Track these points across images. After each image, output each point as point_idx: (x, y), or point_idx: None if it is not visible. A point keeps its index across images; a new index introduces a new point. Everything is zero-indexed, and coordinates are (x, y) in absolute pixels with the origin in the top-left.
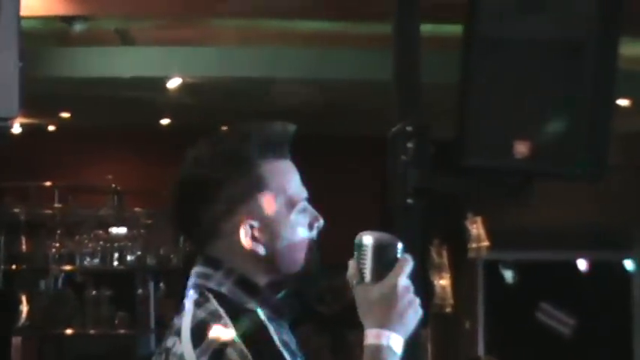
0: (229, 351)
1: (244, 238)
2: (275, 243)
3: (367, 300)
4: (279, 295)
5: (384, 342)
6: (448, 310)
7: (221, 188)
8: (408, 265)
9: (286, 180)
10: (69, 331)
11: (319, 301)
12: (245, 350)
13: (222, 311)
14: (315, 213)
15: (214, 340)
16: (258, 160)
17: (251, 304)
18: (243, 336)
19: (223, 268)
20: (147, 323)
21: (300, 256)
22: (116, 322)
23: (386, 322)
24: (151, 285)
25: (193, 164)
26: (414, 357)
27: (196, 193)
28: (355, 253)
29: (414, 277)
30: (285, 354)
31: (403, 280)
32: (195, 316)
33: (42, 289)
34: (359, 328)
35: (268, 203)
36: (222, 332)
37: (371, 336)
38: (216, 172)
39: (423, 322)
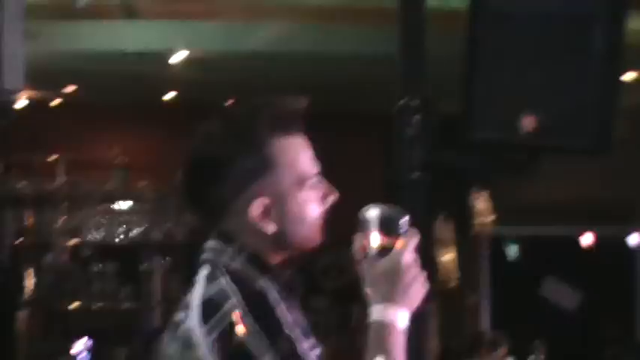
0: (239, 328)
1: (255, 215)
2: (286, 220)
3: (372, 274)
4: (289, 273)
5: (388, 318)
6: (453, 284)
7: (232, 165)
8: (413, 239)
9: (297, 156)
10: (74, 306)
11: (325, 276)
12: (255, 328)
13: (232, 288)
14: (328, 187)
15: (224, 318)
16: (269, 137)
17: (262, 282)
18: (253, 315)
19: (236, 244)
20: (151, 298)
21: (312, 232)
22: (121, 296)
23: (391, 297)
24: (156, 259)
25: (204, 140)
26: (420, 331)
27: (207, 170)
28: (360, 227)
29: (419, 252)
30: (296, 333)
31: (409, 255)
32: (206, 292)
33: (48, 263)
34: (364, 303)
35: (279, 180)
36: (232, 310)
37: (376, 312)
38: (227, 148)
39: (428, 297)
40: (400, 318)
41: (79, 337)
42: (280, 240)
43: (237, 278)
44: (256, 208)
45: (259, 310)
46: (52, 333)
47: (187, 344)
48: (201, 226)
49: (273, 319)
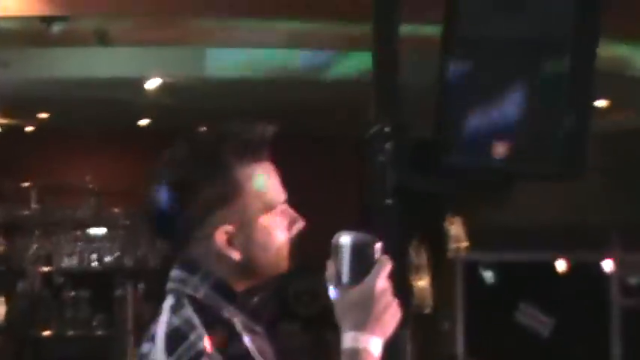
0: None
1: (219, 243)
2: (251, 248)
3: (344, 302)
4: (255, 300)
5: (361, 345)
6: (427, 310)
7: (197, 191)
8: (386, 266)
9: (264, 183)
10: (47, 333)
11: (297, 302)
12: (219, 359)
13: (197, 319)
14: (294, 215)
15: (189, 349)
16: (235, 164)
17: (227, 310)
18: (218, 346)
19: (200, 272)
20: (125, 325)
21: (278, 260)
22: (94, 323)
23: (363, 324)
24: (129, 286)
25: (169, 166)
26: (394, 358)
27: (172, 196)
28: (332, 253)
29: (393, 278)
30: None
31: (381, 282)
32: (170, 323)
33: (20, 290)
34: (337, 329)
35: (244, 208)
36: (197, 341)
37: (349, 339)
38: (192, 174)
39: (403, 323)
40: (373, 345)
41: None
42: (246, 267)
43: (201, 307)
44: (220, 235)
45: (224, 342)
46: None
47: None
48: (171, 253)
49: (240, 348)
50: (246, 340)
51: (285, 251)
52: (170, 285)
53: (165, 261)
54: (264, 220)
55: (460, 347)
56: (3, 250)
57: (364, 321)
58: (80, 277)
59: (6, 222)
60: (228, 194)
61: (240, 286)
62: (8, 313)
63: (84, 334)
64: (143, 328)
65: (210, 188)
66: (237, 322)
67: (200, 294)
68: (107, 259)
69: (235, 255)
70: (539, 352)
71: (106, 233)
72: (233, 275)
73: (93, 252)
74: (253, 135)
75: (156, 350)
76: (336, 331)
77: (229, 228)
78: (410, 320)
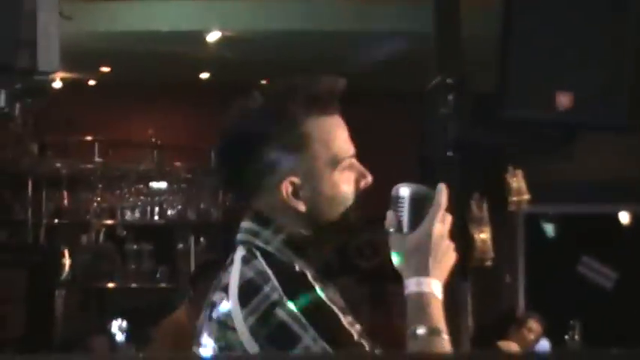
0: (278, 311)
1: (285, 193)
2: (316, 200)
3: (403, 249)
4: (324, 254)
5: (426, 289)
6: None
7: (265, 143)
8: (439, 210)
9: (331, 137)
10: (110, 285)
11: (359, 255)
12: (294, 310)
13: (270, 271)
14: (363, 170)
15: (263, 300)
16: (304, 116)
17: (298, 264)
18: (292, 296)
19: (272, 226)
20: (187, 277)
21: (343, 213)
22: (157, 276)
23: (425, 269)
24: (191, 239)
25: (239, 117)
26: (454, 310)
27: (241, 147)
28: (392, 205)
29: (454, 230)
30: (336, 310)
31: (437, 226)
32: (243, 275)
33: (84, 243)
34: (398, 280)
35: (311, 160)
36: (271, 293)
37: (411, 285)
38: (261, 127)
39: (464, 275)
40: (436, 288)
41: (115, 316)
42: (310, 219)
43: (273, 260)
44: (286, 185)
45: (298, 291)
46: (89, 312)
47: (226, 326)
48: (235, 206)
49: (313, 297)
50: (319, 290)
51: (346, 204)
52: (241, 236)
53: (228, 214)
54: (331, 172)
55: (521, 300)
56: (67, 204)
57: (425, 265)
58: (143, 231)
59: (69, 176)
60: (294, 146)
61: (308, 239)
62: (72, 266)
63: (147, 287)
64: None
65: (278, 140)
66: (309, 273)
67: (271, 247)
68: (169, 212)
69: (300, 206)
70: (602, 306)
71: (168, 187)
72: (300, 227)
73: (155, 205)
74: (323, 88)
75: (229, 301)
76: (396, 282)
77: (295, 179)
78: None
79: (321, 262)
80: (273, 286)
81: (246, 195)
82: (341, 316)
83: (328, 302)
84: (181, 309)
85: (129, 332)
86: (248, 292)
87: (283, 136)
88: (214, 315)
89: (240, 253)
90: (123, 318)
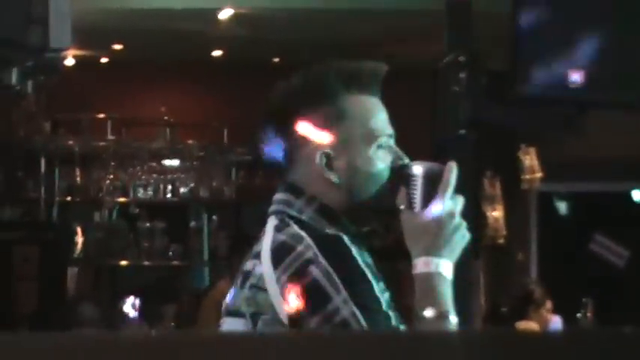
0: (312, 268)
1: (319, 164)
2: (349, 173)
3: (414, 227)
4: (357, 226)
5: (433, 269)
6: (501, 241)
7: (304, 116)
8: (448, 188)
9: (369, 114)
10: (123, 262)
11: (371, 232)
12: (329, 268)
13: (303, 233)
14: (399, 152)
15: (297, 258)
16: (343, 93)
17: (331, 230)
18: (327, 255)
19: (305, 196)
20: (200, 255)
21: (374, 187)
22: (170, 253)
23: (433, 249)
24: (204, 217)
25: (281, 92)
26: (466, 288)
27: (280, 119)
28: (405, 183)
29: (467, 208)
30: (369, 274)
31: (447, 205)
32: (276, 239)
33: (96, 220)
34: (408, 259)
35: (346, 133)
36: (305, 251)
37: (420, 264)
38: (301, 101)
39: (476, 253)
40: (445, 268)
41: (127, 294)
42: (343, 191)
43: (307, 227)
44: (320, 157)
45: (332, 252)
46: (102, 289)
47: (258, 289)
48: (248, 184)
49: (348, 260)
50: (355, 252)
51: (380, 181)
52: (273, 207)
53: (241, 192)
54: (366, 148)
55: (534, 278)
56: (79, 182)
57: (434, 244)
58: (156, 208)
59: (82, 153)
60: (331, 120)
61: (342, 210)
62: (85, 244)
63: (160, 264)
64: (218, 258)
65: (315, 113)
66: (344, 237)
67: (305, 216)
68: (182, 190)
69: (334, 177)
70: (614, 284)
71: (181, 165)
72: (332, 198)
73: (168, 183)
74: (364, 68)
75: (262, 264)
76: (407, 261)
77: (330, 150)
78: (483, 251)
79: (353, 232)
80: (307, 245)
81: (283, 168)
82: (374, 282)
83: (363, 266)
84: (222, 284)
85: (141, 310)
86: (281, 252)
87: (321, 109)
88: (247, 282)
89: (272, 222)
90: (135, 295)
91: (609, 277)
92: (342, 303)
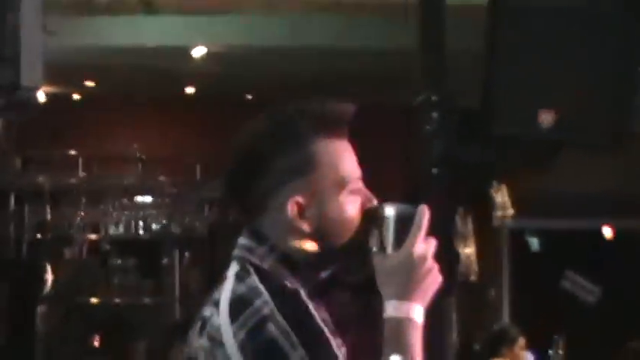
0: (269, 325)
1: (291, 213)
2: (321, 222)
3: (385, 270)
4: (318, 274)
5: (403, 314)
6: (473, 278)
7: (272, 162)
8: (419, 232)
9: (339, 159)
10: (94, 300)
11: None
12: (286, 326)
13: (262, 287)
14: (368, 194)
15: (254, 315)
16: (312, 138)
17: (292, 282)
18: (284, 312)
19: (267, 243)
20: (172, 292)
21: (346, 235)
22: (141, 290)
23: (404, 292)
24: (176, 254)
25: (249, 137)
26: (440, 326)
27: (248, 165)
28: (377, 224)
29: (439, 246)
30: (325, 331)
31: (419, 247)
32: (235, 290)
33: (67, 258)
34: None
35: (317, 181)
36: (262, 307)
37: (391, 308)
38: (270, 146)
39: (449, 291)
40: (415, 313)
41: (98, 331)
42: (314, 240)
43: (267, 277)
44: (292, 205)
45: (290, 308)
46: (72, 327)
47: (216, 341)
48: (220, 221)
49: (305, 316)
50: (311, 309)
51: (351, 228)
52: (236, 252)
53: (213, 229)
54: (338, 195)
55: (505, 315)
56: (49, 219)
57: (405, 288)
58: (127, 245)
59: (53, 190)
60: (301, 167)
61: (306, 259)
62: (55, 281)
63: (131, 302)
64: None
65: (285, 160)
66: (302, 292)
67: (266, 264)
68: (154, 226)
69: (305, 226)
70: (585, 321)
71: (153, 201)
72: (299, 247)
73: (140, 220)
74: (332, 111)
75: (220, 315)
76: (380, 298)
77: (301, 199)
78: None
79: (314, 282)
80: (264, 301)
81: (250, 213)
82: (331, 339)
83: (319, 323)
84: None
85: (112, 347)
86: (239, 306)
87: (291, 156)
88: (204, 330)
89: (233, 269)
90: (106, 333)
91: (580, 314)
92: None
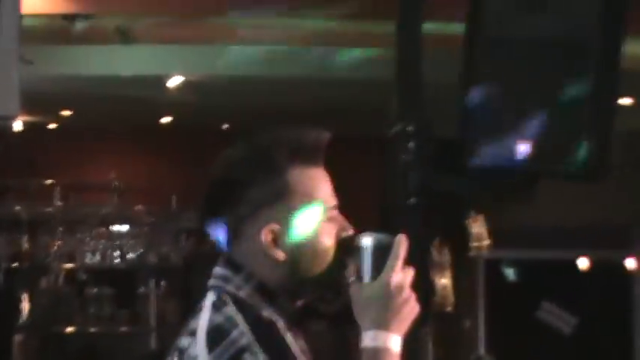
0: (246, 356)
1: (265, 241)
2: (295, 250)
3: (362, 300)
4: (294, 302)
5: (381, 344)
6: (449, 309)
7: (247, 191)
8: (397, 261)
9: (314, 188)
10: (70, 329)
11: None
12: (262, 357)
13: (239, 317)
14: (344, 222)
15: (231, 345)
16: (288, 166)
17: (268, 312)
18: (261, 343)
19: (243, 272)
20: (148, 321)
21: (321, 263)
22: (117, 319)
23: (382, 322)
24: (152, 283)
25: (224, 165)
26: (415, 356)
27: (223, 194)
28: (354, 254)
29: (415, 277)
30: None
31: (396, 277)
32: (212, 320)
33: (43, 287)
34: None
35: (292, 210)
36: (239, 338)
37: (368, 338)
38: (244, 174)
39: (425, 321)
40: (393, 343)
41: None
42: (288, 268)
43: (243, 306)
44: (267, 233)
45: (266, 339)
46: (49, 357)
47: None
48: (196, 250)
49: (281, 348)
50: (288, 339)
51: (326, 257)
52: (212, 282)
53: (189, 258)
54: (311, 223)
55: (481, 345)
56: (26, 247)
57: (382, 318)
58: (103, 274)
59: (29, 219)
60: (276, 195)
61: (280, 285)
62: (31, 310)
63: (107, 331)
64: (166, 325)
65: (260, 188)
66: (278, 322)
67: (242, 293)
68: (130, 256)
69: (279, 255)
70: (562, 351)
71: (130, 230)
72: (276, 275)
73: (116, 249)
74: (307, 140)
75: (197, 346)
76: (357, 327)
77: (276, 227)
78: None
79: (291, 311)
80: (241, 332)
81: (227, 242)
82: None
83: (296, 354)
84: None
85: None
86: (216, 337)
87: (266, 184)
88: None
89: (210, 298)
90: None
91: (556, 344)
92: None
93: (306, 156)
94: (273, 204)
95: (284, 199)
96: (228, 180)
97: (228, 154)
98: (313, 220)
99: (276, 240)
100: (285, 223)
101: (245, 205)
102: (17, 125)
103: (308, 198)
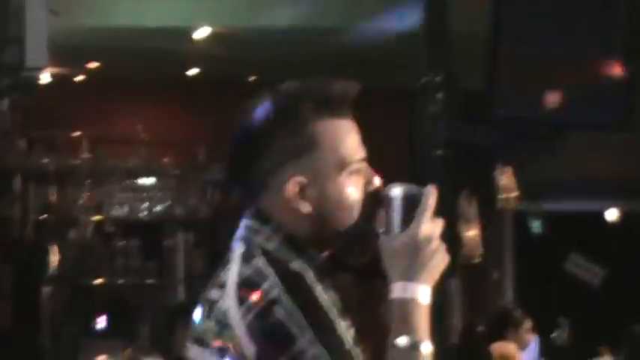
0: (276, 309)
1: (290, 193)
2: (322, 203)
3: (391, 251)
4: (323, 255)
5: (409, 295)
6: (477, 260)
7: (273, 143)
8: (426, 212)
9: (340, 139)
10: (98, 281)
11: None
12: (293, 308)
13: (269, 269)
14: (372, 175)
15: (261, 298)
16: (313, 118)
17: (297, 263)
18: (291, 294)
19: (272, 224)
20: (175, 274)
21: (347, 216)
22: (144, 272)
23: (411, 273)
24: (180, 235)
25: (249, 117)
26: (444, 308)
27: (249, 146)
28: (383, 205)
29: (444, 229)
30: (334, 313)
31: (426, 227)
32: (242, 272)
33: (71, 239)
34: (387, 278)
35: (317, 162)
36: (270, 290)
37: (397, 290)
38: (269, 126)
39: (453, 273)
40: (422, 294)
41: (102, 312)
42: (314, 221)
43: (272, 259)
44: (292, 185)
45: (297, 291)
46: (76, 308)
47: (224, 324)
48: (224, 203)
49: (312, 299)
50: (317, 290)
51: (353, 209)
52: (240, 233)
53: (216, 211)
54: (339, 175)
55: (508, 297)
56: (54, 200)
57: (411, 269)
58: (130, 226)
59: (57, 172)
60: (301, 147)
61: (310, 240)
62: (60, 262)
63: (134, 283)
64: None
65: (285, 140)
66: (308, 274)
67: (271, 245)
68: (157, 208)
69: (305, 207)
70: (589, 302)
71: (156, 183)
72: (303, 228)
73: (143, 201)
74: (334, 91)
75: (227, 298)
76: (385, 280)
77: (301, 179)
78: (459, 270)
79: (319, 263)
80: (272, 284)
81: (252, 194)
82: (338, 320)
83: (326, 305)
84: None
85: (115, 328)
86: (246, 289)
87: (292, 136)
88: (213, 312)
89: (239, 250)
90: (110, 314)
91: (584, 296)
92: (308, 344)
93: (333, 107)
94: (299, 156)
95: (310, 151)
96: (254, 132)
97: (253, 105)
98: (339, 172)
99: (302, 192)
100: (311, 175)
101: (271, 157)
102: (45, 77)
103: (334, 150)
